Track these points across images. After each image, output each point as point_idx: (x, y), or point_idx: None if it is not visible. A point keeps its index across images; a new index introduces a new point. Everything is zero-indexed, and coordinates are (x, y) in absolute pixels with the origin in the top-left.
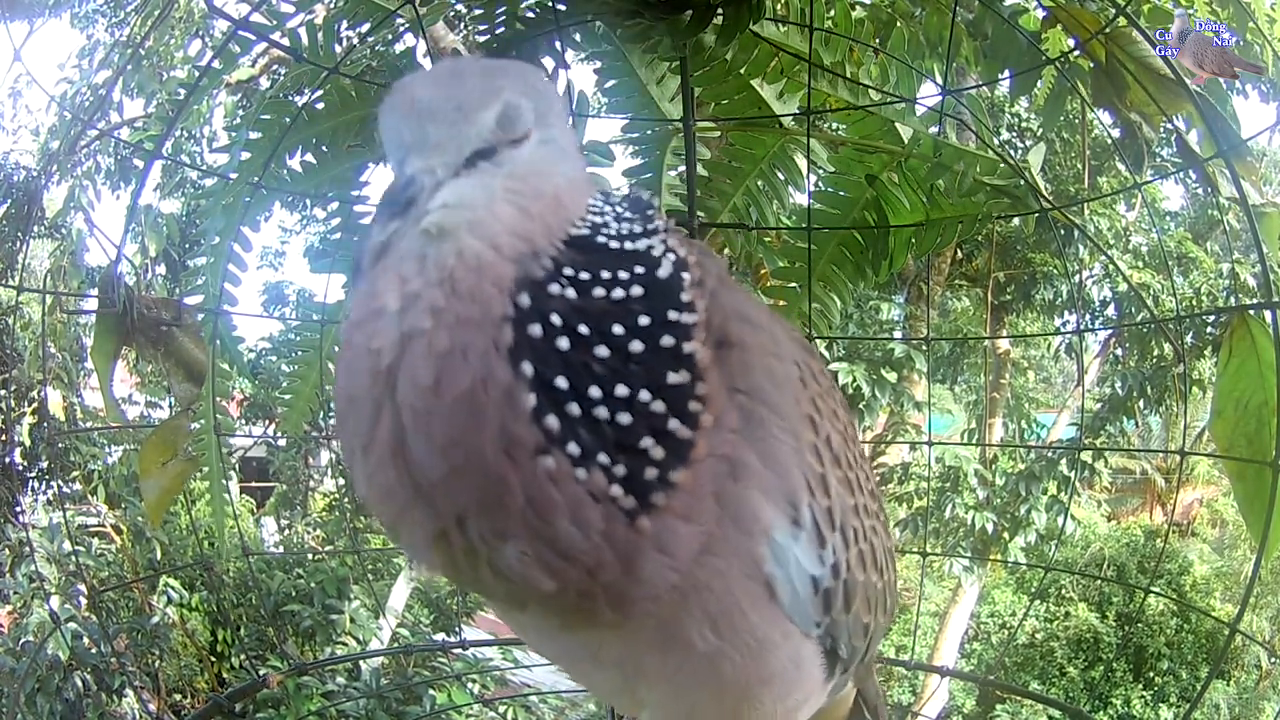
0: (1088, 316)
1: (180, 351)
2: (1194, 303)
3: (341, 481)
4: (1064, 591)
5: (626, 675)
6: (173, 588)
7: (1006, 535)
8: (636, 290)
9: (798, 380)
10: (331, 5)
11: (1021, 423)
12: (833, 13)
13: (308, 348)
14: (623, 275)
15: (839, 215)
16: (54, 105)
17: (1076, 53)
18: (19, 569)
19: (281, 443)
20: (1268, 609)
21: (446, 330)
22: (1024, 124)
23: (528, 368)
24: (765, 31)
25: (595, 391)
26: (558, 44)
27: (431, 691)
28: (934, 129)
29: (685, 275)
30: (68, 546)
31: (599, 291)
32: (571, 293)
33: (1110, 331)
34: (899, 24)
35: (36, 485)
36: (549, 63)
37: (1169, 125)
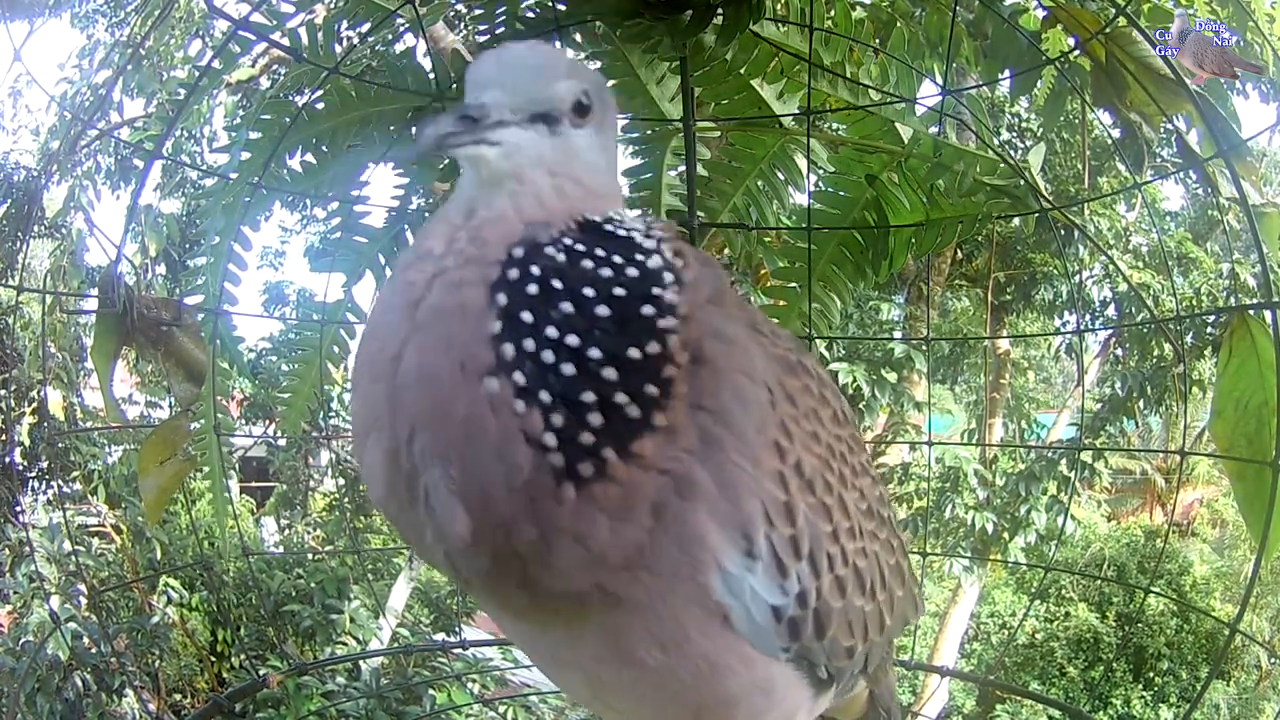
0: (1088, 317)
1: (180, 351)
2: (1194, 303)
3: (341, 481)
4: (1064, 592)
5: (590, 682)
6: (173, 588)
7: (1006, 535)
8: (618, 261)
9: (767, 403)
10: (331, 5)
11: (1021, 423)
12: (833, 13)
13: (307, 347)
14: (616, 258)
15: (839, 215)
16: (54, 105)
17: (1076, 53)
18: (19, 569)
19: (281, 442)
20: (1268, 609)
21: (459, 269)
22: (1024, 124)
23: (501, 298)
24: (765, 31)
25: (551, 332)
26: (558, 44)
27: (431, 691)
28: (934, 129)
29: (672, 274)
30: (68, 546)
31: (586, 263)
32: (562, 257)
33: (1110, 332)
34: (899, 24)
35: (36, 485)
36: None
37: (1169, 125)
